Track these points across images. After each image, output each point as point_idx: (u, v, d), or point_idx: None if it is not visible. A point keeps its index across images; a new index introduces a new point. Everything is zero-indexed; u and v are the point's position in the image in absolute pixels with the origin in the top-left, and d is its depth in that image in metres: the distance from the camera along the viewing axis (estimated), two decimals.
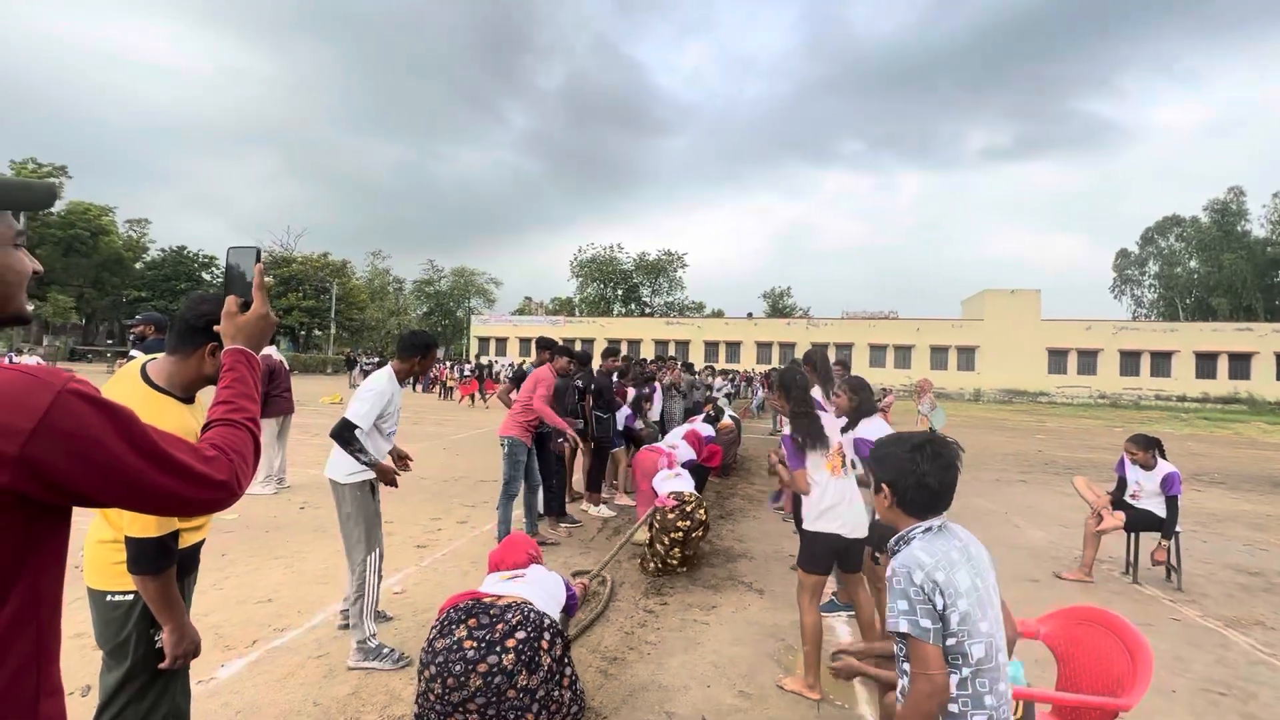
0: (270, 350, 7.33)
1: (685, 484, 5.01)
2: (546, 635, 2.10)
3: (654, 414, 8.53)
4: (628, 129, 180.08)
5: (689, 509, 4.54)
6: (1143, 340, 40.49)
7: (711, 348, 45.87)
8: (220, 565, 4.42)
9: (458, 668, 1.99)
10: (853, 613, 3.70)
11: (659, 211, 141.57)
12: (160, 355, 1.77)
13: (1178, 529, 4.87)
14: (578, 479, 7.02)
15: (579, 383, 6.55)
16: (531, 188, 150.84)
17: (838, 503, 2.98)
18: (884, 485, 1.59)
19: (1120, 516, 4.95)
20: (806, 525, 3.08)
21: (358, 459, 3.05)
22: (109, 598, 1.64)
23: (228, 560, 4.54)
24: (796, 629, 3.78)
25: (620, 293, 60.04)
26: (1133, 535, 5.04)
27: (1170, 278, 56.41)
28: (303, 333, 49.45)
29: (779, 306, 63.26)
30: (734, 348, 45.96)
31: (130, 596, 1.63)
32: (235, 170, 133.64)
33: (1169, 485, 4.83)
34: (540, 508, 5.62)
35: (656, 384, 8.87)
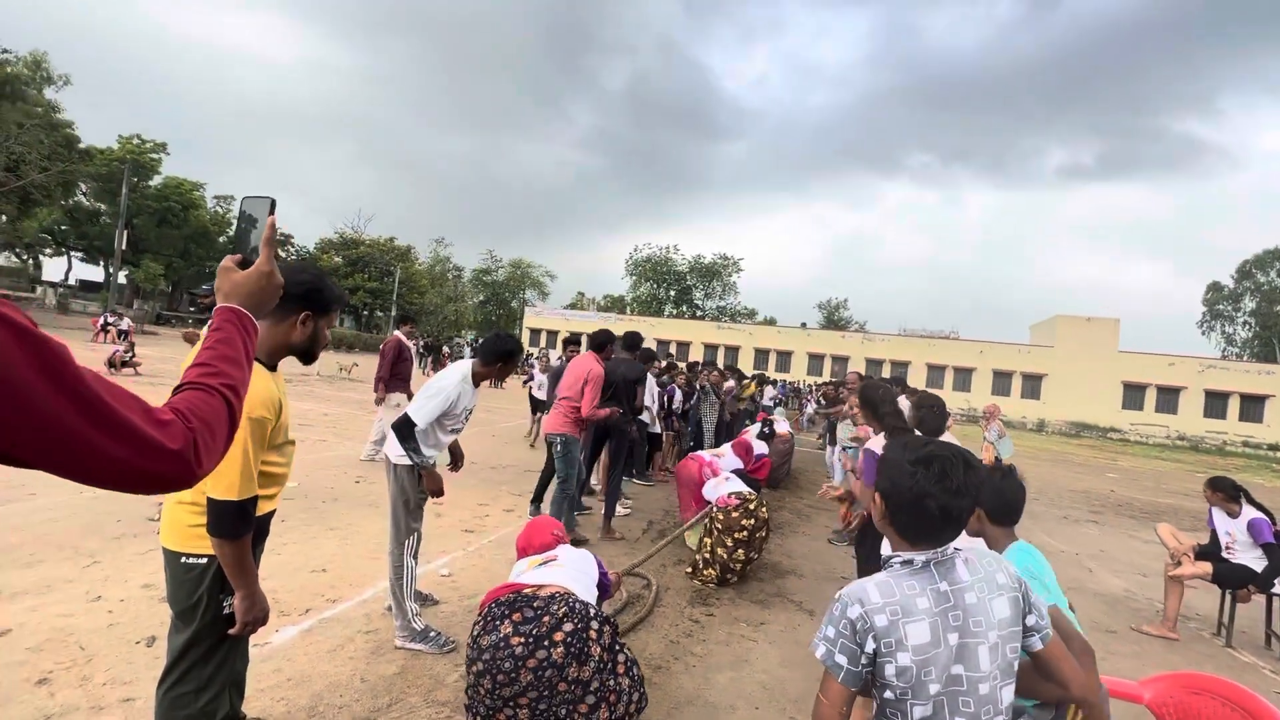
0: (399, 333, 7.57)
1: (738, 484, 4.84)
2: (594, 624, 2.04)
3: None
4: (688, 131, 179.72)
5: (752, 507, 4.40)
6: (1233, 381, 37.54)
7: (762, 355, 45.18)
8: (279, 531, 4.55)
9: (507, 664, 1.94)
10: None
11: (715, 215, 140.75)
12: None
13: (1276, 589, 4.38)
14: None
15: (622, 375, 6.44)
16: (590, 185, 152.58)
17: None
18: (878, 494, 1.39)
19: (1205, 567, 4.50)
20: (885, 551, 2.90)
21: (410, 456, 3.06)
22: (183, 559, 1.65)
23: (286, 527, 4.68)
24: None
25: (673, 294, 59.87)
26: (1227, 593, 4.58)
27: (1269, 315, 52.15)
28: (365, 313, 51.45)
29: (834, 318, 61.78)
30: (785, 357, 45.15)
31: (204, 560, 1.64)
32: (315, 155, 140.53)
33: (1257, 533, 4.37)
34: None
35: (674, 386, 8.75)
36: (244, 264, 1.06)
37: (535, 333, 50.70)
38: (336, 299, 1.87)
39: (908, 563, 1.32)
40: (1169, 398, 38.22)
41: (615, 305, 63.08)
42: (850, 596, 1.30)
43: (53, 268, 46.99)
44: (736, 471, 5.74)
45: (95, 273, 46.54)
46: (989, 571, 1.32)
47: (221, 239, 47.66)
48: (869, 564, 4.72)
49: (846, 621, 1.28)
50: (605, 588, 2.72)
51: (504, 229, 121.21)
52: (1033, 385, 40.38)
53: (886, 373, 37.76)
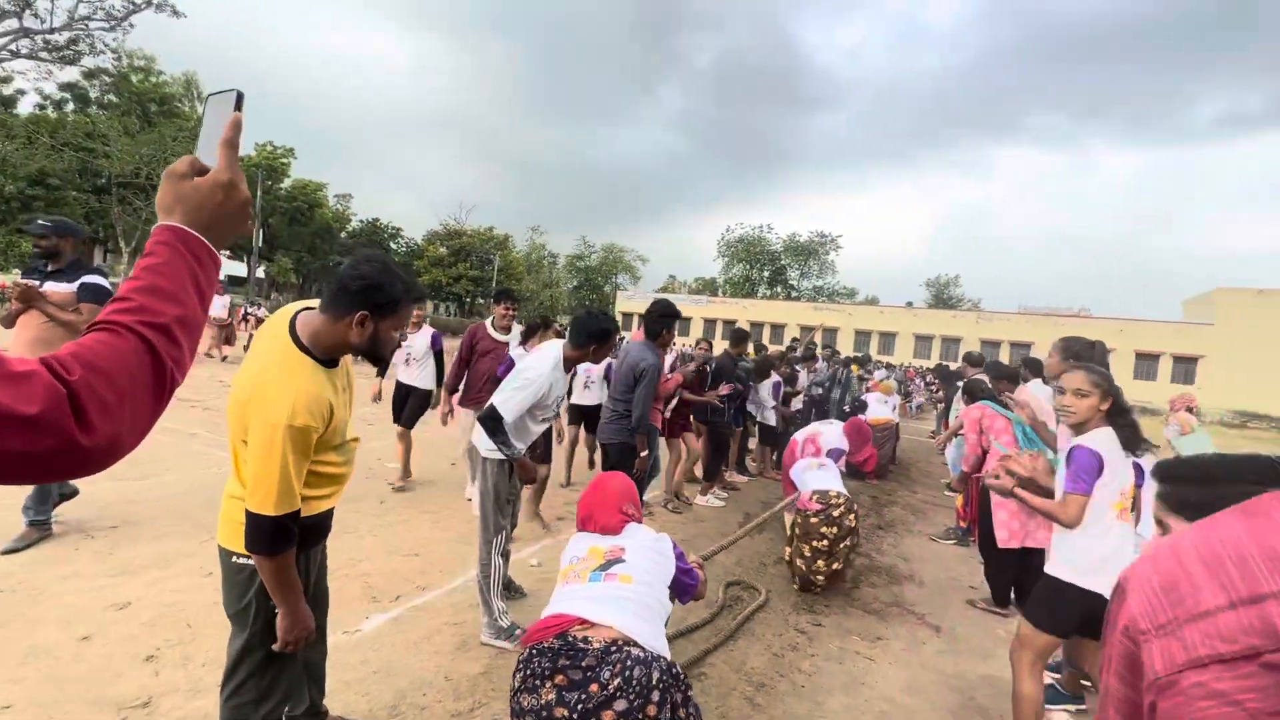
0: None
1: (830, 477, 4.24)
2: (655, 695, 1.65)
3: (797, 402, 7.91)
4: (780, 105, 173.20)
5: (836, 514, 3.86)
6: None
7: (863, 337, 42.85)
8: (378, 513, 4.64)
9: None
10: (1082, 706, 2.90)
11: (810, 192, 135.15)
12: (315, 307, 1.61)
13: None
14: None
15: (708, 367, 6.22)
16: (680, 167, 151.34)
17: (1116, 555, 2.22)
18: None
19: None
20: (1061, 573, 2.31)
21: (500, 449, 2.87)
22: (234, 559, 1.51)
23: (384, 509, 4.76)
24: (986, 683, 3.09)
25: (766, 274, 58.06)
26: None
27: None
28: (468, 300, 54.18)
29: (944, 296, 57.46)
30: (888, 339, 42.53)
31: (254, 562, 1.49)
32: (422, 153, 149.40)
33: None
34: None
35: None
36: (201, 173, 0.78)
37: (627, 316, 51.07)
38: (402, 297, 1.56)
39: None
40: None
41: (707, 288, 62.24)
42: None
43: None
44: (837, 452, 5.03)
45: (240, 268, 52.17)
46: None
47: (342, 234, 51.70)
48: (998, 571, 4.09)
49: None
50: (687, 588, 2.18)
51: (596, 214, 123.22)
52: (1185, 369, 35.41)
53: (1005, 355, 34.51)
